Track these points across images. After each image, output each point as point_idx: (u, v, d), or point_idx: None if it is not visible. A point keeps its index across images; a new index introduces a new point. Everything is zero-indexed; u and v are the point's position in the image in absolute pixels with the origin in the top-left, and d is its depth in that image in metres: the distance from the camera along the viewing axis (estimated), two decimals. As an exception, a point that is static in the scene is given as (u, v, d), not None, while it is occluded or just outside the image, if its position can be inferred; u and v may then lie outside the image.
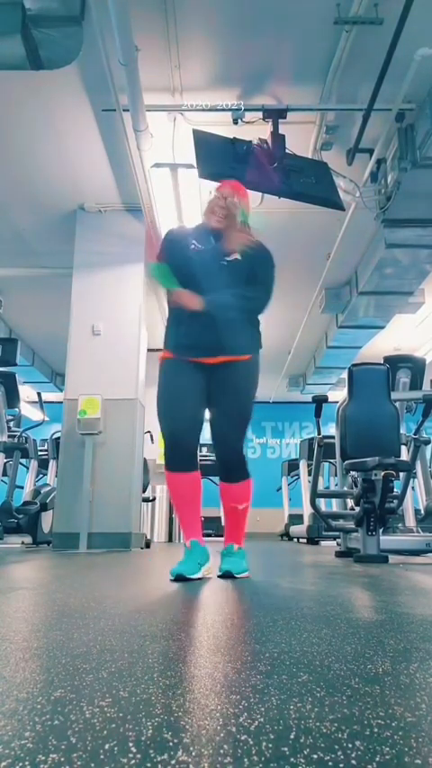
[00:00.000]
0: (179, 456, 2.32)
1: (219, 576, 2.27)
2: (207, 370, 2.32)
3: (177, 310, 2.36)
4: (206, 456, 9.00)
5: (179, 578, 2.12)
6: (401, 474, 4.13)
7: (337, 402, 4.56)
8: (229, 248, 2.33)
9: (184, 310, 2.30)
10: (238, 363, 2.34)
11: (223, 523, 2.55)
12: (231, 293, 2.30)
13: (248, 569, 2.34)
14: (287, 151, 4.20)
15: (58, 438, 5.86)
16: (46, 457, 7.37)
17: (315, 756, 0.49)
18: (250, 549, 2.52)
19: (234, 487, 2.39)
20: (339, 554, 4.20)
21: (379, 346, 8.49)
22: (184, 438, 2.31)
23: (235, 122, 4.18)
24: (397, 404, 4.45)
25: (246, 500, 2.41)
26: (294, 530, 8.63)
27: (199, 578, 2.18)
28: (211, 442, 2.42)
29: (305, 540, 7.93)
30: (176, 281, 2.32)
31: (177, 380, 2.33)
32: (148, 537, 6.21)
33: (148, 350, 5.86)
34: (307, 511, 7.32)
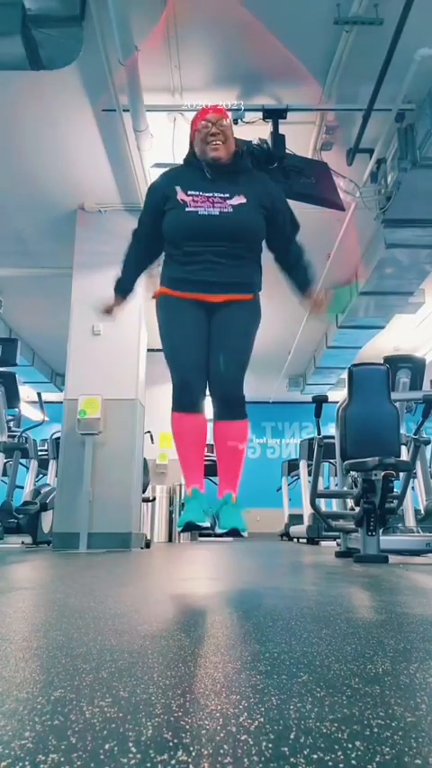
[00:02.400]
0: (189, 398, 2.22)
1: (223, 534, 2.13)
2: (209, 309, 2.22)
3: (175, 252, 2.24)
4: (209, 456, 9.05)
5: (189, 526, 2.05)
6: (401, 474, 4.13)
7: (337, 402, 4.56)
8: (314, 312, 2.38)
9: (183, 252, 2.20)
10: (243, 303, 2.25)
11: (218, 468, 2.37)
12: (302, 270, 2.31)
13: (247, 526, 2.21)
14: (287, 151, 4.20)
15: (58, 438, 5.86)
16: (46, 457, 7.37)
17: (315, 756, 0.49)
18: (250, 549, 2.53)
19: (234, 424, 2.27)
20: (339, 554, 4.20)
21: (379, 346, 8.49)
22: (195, 379, 2.22)
23: (235, 122, 4.17)
24: (397, 404, 4.45)
25: (245, 439, 2.30)
26: (294, 530, 8.62)
27: (207, 526, 2.10)
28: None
29: (305, 541, 7.93)
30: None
31: (182, 320, 2.22)
32: (148, 537, 6.21)
33: (148, 350, 5.86)
34: (307, 511, 7.31)
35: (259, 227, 2.27)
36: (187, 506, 2.15)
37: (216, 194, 2.19)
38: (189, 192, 2.20)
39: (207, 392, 2.27)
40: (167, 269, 2.30)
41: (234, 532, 2.08)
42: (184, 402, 2.22)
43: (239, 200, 2.20)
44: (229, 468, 2.28)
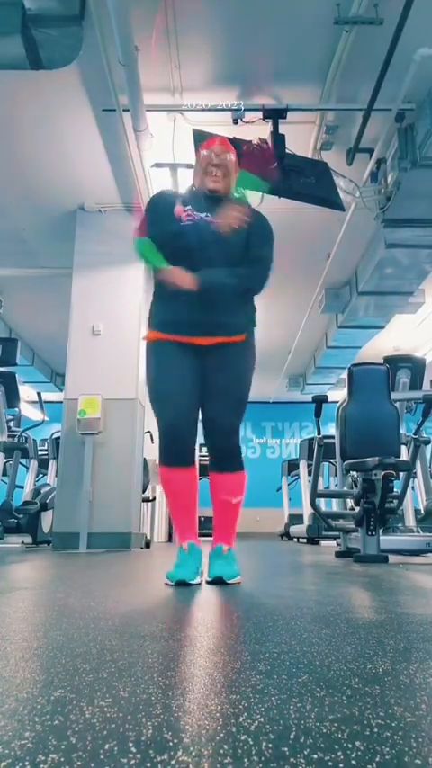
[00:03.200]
0: (178, 450, 2.14)
1: (208, 583, 2.05)
2: (200, 353, 2.12)
3: (166, 286, 2.14)
4: (205, 456, 9.03)
5: (180, 584, 1.98)
6: (401, 474, 4.13)
7: (337, 402, 4.56)
8: (221, 226, 2.09)
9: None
10: (234, 345, 2.15)
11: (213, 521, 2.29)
12: (228, 271, 2.13)
13: (240, 573, 2.12)
14: (287, 151, 4.20)
15: (58, 438, 5.86)
16: (46, 457, 7.37)
17: (315, 756, 0.49)
18: (250, 549, 2.52)
19: (228, 478, 2.18)
20: (339, 554, 4.20)
21: (379, 346, 8.49)
22: (184, 431, 2.12)
23: (235, 122, 4.18)
24: (397, 404, 4.45)
25: (240, 493, 2.19)
26: (294, 530, 8.63)
27: (198, 583, 2.06)
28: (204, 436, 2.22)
29: (305, 540, 7.93)
30: (162, 258, 2.14)
31: (171, 366, 2.12)
32: (148, 537, 6.21)
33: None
34: (307, 511, 7.32)
35: (242, 248, 2.18)
36: (181, 561, 2.08)
37: (208, 215, 2.16)
38: (185, 208, 2.17)
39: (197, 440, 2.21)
40: (156, 309, 2.22)
41: (217, 581, 2.03)
42: (172, 455, 2.14)
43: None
44: (224, 522, 2.21)
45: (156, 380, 2.16)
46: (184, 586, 1.96)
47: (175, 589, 1.90)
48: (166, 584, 2.00)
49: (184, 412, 2.12)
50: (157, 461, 2.19)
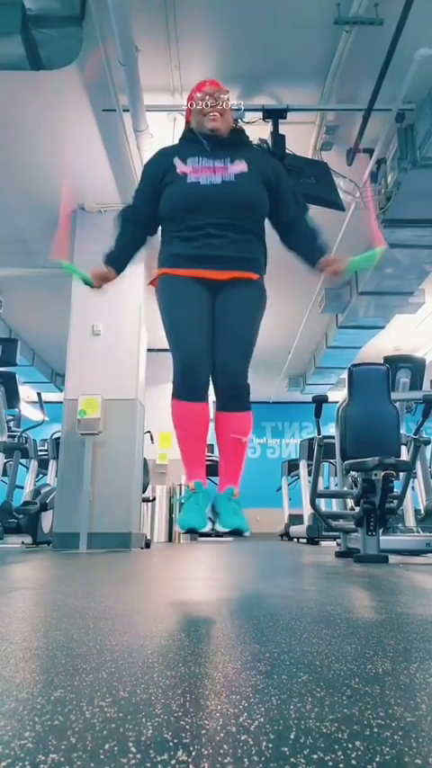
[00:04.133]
0: (194, 385, 2.08)
1: (224, 534, 1.99)
2: (213, 289, 2.09)
3: (176, 228, 2.10)
4: (210, 456, 9.03)
5: (191, 531, 1.95)
6: (401, 474, 4.13)
7: (337, 402, 4.56)
8: (327, 282, 2.16)
9: (185, 226, 2.07)
10: (250, 282, 2.11)
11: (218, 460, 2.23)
12: (307, 231, 2.17)
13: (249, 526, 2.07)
14: (287, 151, 4.20)
15: (58, 438, 5.86)
16: (46, 457, 7.37)
17: (315, 756, 0.49)
18: (250, 549, 2.52)
19: (238, 416, 2.13)
20: (339, 554, 4.20)
21: (379, 346, 8.49)
22: (199, 365, 2.07)
23: (235, 122, 4.17)
24: (397, 404, 4.45)
25: (248, 431, 2.16)
26: (294, 530, 8.63)
27: (209, 530, 2.00)
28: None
29: (305, 540, 7.93)
30: (87, 274, 2.16)
31: (185, 301, 2.09)
32: (148, 537, 6.21)
33: (148, 350, 5.86)
34: (307, 511, 7.31)
35: (263, 197, 2.15)
36: (189, 505, 2.01)
37: (216, 162, 2.10)
38: (188, 162, 2.11)
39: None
40: (167, 248, 2.16)
41: (236, 533, 1.97)
42: (187, 389, 2.08)
43: (241, 167, 2.11)
44: (231, 461, 2.16)
45: (170, 317, 2.12)
46: (195, 533, 1.91)
47: (175, 589, 1.90)
48: (179, 533, 1.96)
49: (199, 348, 2.07)
50: (171, 395, 2.10)
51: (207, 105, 2.15)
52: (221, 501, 2.06)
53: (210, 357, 2.09)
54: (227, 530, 1.96)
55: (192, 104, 2.21)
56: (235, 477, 2.13)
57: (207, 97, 2.17)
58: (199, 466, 2.12)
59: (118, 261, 2.25)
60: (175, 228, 2.11)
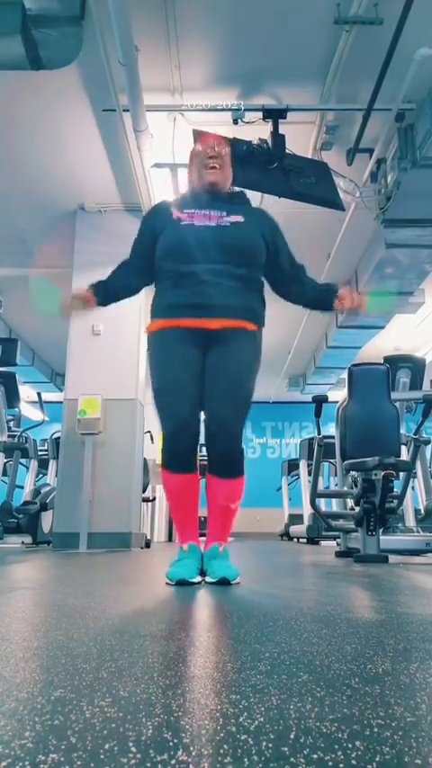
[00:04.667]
0: (182, 456, 2.07)
1: (211, 583, 1.99)
2: (205, 342, 2.03)
3: (169, 272, 2.08)
4: (205, 456, 9.02)
5: (180, 583, 1.96)
6: (401, 474, 4.13)
7: (337, 402, 4.56)
8: (342, 309, 2.17)
9: (179, 271, 2.05)
10: (244, 332, 2.05)
11: (207, 520, 2.21)
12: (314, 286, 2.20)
13: (239, 573, 2.06)
14: (287, 151, 4.20)
15: (58, 438, 5.86)
16: (46, 457, 7.37)
17: (315, 756, 0.49)
18: (250, 549, 2.52)
19: (228, 484, 2.08)
20: (339, 554, 4.20)
21: (379, 346, 8.49)
22: (187, 437, 2.03)
23: (235, 122, 4.18)
24: (397, 404, 4.45)
25: (238, 498, 2.12)
26: (294, 530, 8.63)
27: (198, 582, 2.03)
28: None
29: (305, 540, 7.93)
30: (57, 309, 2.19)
31: (176, 360, 2.03)
32: (148, 537, 6.21)
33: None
34: (307, 511, 7.32)
35: (259, 246, 2.12)
36: (182, 561, 2.03)
37: (213, 211, 2.11)
38: (185, 210, 2.12)
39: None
40: (159, 297, 2.14)
41: (224, 581, 1.97)
42: (175, 461, 2.08)
43: (237, 218, 2.11)
44: (218, 523, 2.14)
45: (158, 379, 2.08)
46: (184, 586, 1.93)
47: (176, 589, 1.90)
48: (167, 583, 1.97)
49: (191, 413, 2.02)
50: (159, 463, 2.15)
51: (208, 156, 2.17)
52: (207, 559, 2.09)
53: (198, 423, 2.05)
54: (215, 579, 1.99)
55: (194, 155, 2.24)
56: (222, 536, 2.14)
57: (209, 150, 2.19)
58: (191, 530, 2.14)
59: (104, 292, 2.24)
60: (169, 275, 2.08)
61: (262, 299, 2.18)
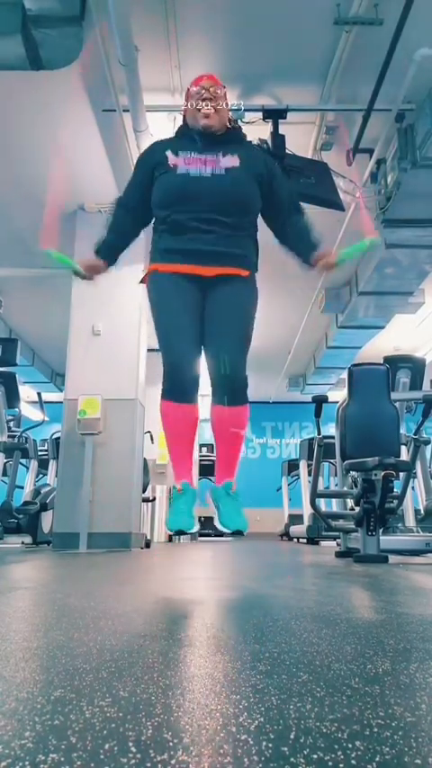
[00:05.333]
0: (185, 386, 2.07)
1: (225, 534, 1.99)
2: (203, 285, 2.06)
3: (165, 219, 2.08)
4: (206, 456, 9.01)
5: (179, 533, 1.97)
6: (401, 474, 4.13)
7: (337, 402, 4.56)
8: (322, 269, 2.14)
9: (174, 219, 2.05)
10: (240, 279, 2.08)
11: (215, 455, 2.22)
12: (302, 228, 2.15)
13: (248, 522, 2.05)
14: (287, 151, 4.20)
15: (58, 438, 5.86)
16: (46, 457, 7.37)
17: (315, 756, 0.49)
18: (250, 549, 2.52)
19: (235, 410, 2.09)
20: (339, 554, 4.20)
21: (379, 346, 8.50)
22: (189, 366, 2.06)
23: (234, 121, 4.18)
24: (397, 404, 4.45)
25: (244, 425, 2.13)
26: (294, 530, 8.63)
27: (197, 531, 2.00)
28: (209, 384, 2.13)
29: (305, 540, 7.93)
30: (75, 262, 2.17)
31: (175, 300, 2.07)
32: (148, 537, 6.21)
33: (148, 350, 5.86)
34: (307, 511, 7.32)
35: (254, 193, 2.12)
36: (176, 506, 2.03)
37: (208, 155, 2.08)
38: (180, 154, 2.10)
39: (202, 375, 2.12)
40: (156, 242, 2.15)
41: (237, 533, 1.98)
42: (176, 390, 2.08)
43: (232, 161, 2.09)
44: (228, 454, 2.15)
45: (159, 318, 2.10)
46: (182, 534, 1.89)
47: (175, 589, 1.90)
48: (169, 535, 1.98)
49: (189, 349, 2.06)
50: (160, 396, 2.09)
51: (203, 98, 2.13)
52: (220, 496, 2.06)
53: (199, 358, 2.08)
54: (228, 530, 1.97)
55: (189, 97, 2.19)
56: (232, 471, 2.13)
57: (203, 92, 2.15)
58: (186, 466, 2.13)
59: (108, 251, 2.26)
60: (164, 221, 2.10)
61: (255, 245, 2.19)
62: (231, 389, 2.08)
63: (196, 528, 2.00)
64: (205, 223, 2.04)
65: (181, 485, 2.06)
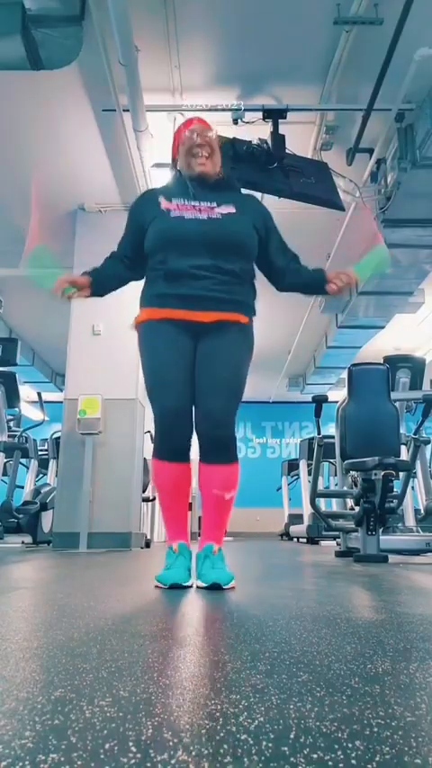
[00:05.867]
0: (176, 444, 2.00)
1: (204, 588, 1.89)
2: (196, 333, 1.99)
3: (159, 265, 2.02)
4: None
5: (173, 587, 1.90)
6: (401, 474, 4.13)
7: (337, 402, 4.56)
8: (335, 293, 2.07)
9: (169, 265, 1.99)
10: (238, 326, 2.00)
11: (201, 516, 2.14)
12: (305, 272, 2.11)
13: (234, 577, 1.95)
14: (287, 151, 4.20)
15: (58, 438, 5.87)
16: (46, 457, 7.37)
17: (315, 756, 0.49)
18: (250, 549, 2.51)
19: (221, 469, 2.00)
20: (339, 554, 4.20)
21: (379, 346, 8.50)
22: (181, 426, 1.98)
23: (235, 122, 4.18)
24: (397, 404, 4.45)
25: (233, 487, 2.02)
26: (294, 530, 8.63)
27: (190, 585, 1.95)
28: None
29: (305, 540, 7.93)
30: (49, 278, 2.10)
31: (168, 350, 1.99)
32: (148, 537, 6.21)
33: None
34: (307, 511, 7.32)
35: (251, 238, 2.06)
36: (172, 563, 1.98)
37: (203, 203, 2.03)
38: (174, 201, 2.04)
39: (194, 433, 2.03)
40: (149, 288, 2.08)
41: (215, 586, 1.87)
42: (168, 450, 2.02)
43: (228, 209, 2.04)
44: (213, 517, 2.05)
45: (150, 371, 2.03)
46: (178, 589, 1.88)
47: (175, 589, 1.90)
48: (157, 586, 1.93)
49: (184, 403, 1.98)
50: (152, 455, 2.05)
51: (195, 145, 2.07)
52: (199, 559, 2.01)
53: (191, 414, 2.00)
54: (205, 584, 1.90)
55: (180, 143, 2.14)
56: (218, 534, 2.05)
57: (196, 137, 2.08)
58: (181, 526, 2.08)
59: (99, 282, 2.17)
60: (159, 268, 2.03)
61: (253, 290, 2.13)
62: (217, 446, 2.00)
63: (190, 583, 1.96)
64: (202, 269, 1.97)
65: (177, 545, 2.02)
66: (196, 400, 2.00)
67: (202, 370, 1.99)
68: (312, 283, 2.16)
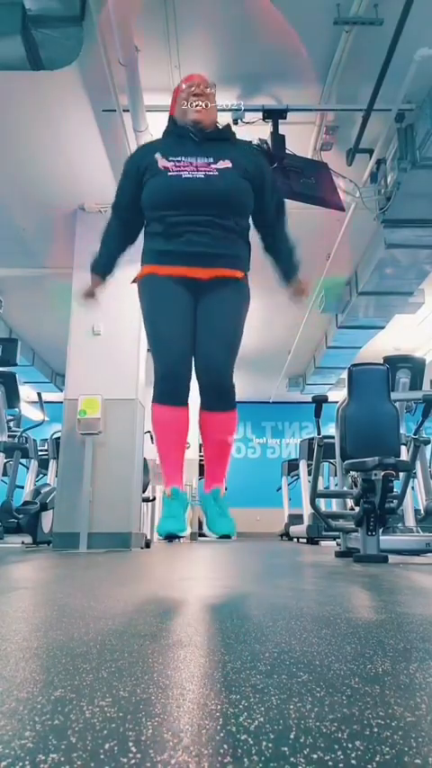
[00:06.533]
0: (176, 390, 2.07)
1: (214, 537, 2.02)
2: (195, 288, 2.06)
3: (158, 221, 2.06)
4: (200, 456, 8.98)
5: (170, 537, 1.96)
6: (401, 474, 4.13)
7: (337, 402, 4.56)
8: (296, 297, 2.21)
9: (167, 221, 2.03)
10: (231, 281, 2.07)
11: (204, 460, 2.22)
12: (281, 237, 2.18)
13: (236, 523, 2.07)
14: (287, 151, 4.20)
15: (58, 438, 5.86)
16: (46, 457, 7.37)
17: (315, 756, 0.49)
18: (250, 549, 2.52)
19: (223, 416, 2.10)
20: (339, 554, 4.20)
21: (379, 346, 8.50)
22: (181, 369, 2.05)
23: (235, 122, 4.18)
24: (397, 404, 4.45)
25: (233, 431, 2.14)
26: (294, 530, 8.63)
27: (187, 535, 2.00)
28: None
29: (305, 540, 7.93)
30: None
31: (167, 303, 2.06)
32: (148, 537, 6.20)
33: (148, 350, 5.86)
34: (307, 511, 7.32)
35: (246, 193, 2.10)
36: (167, 510, 2.02)
37: (200, 159, 2.06)
38: (171, 158, 2.07)
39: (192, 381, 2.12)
40: (149, 244, 2.13)
41: (224, 537, 1.99)
42: (168, 394, 2.08)
43: (225, 164, 2.06)
44: (216, 461, 2.15)
45: (151, 320, 2.10)
46: (174, 539, 1.90)
47: (175, 589, 1.90)
48: (159, 539, 1.99)
49: (181, 352, 2.05)
50: (151, 400, 2.09)
51: (193, 94, 2.12)
52: (208, 502, 2.07)
53: (191, 362, 2.08)
54: (215, 535, 1.98)
55: (178, 95, 2.19)
56: (220, 477, 2.13)
57: (193, 88, 2.14)
58: (176, 471, 2.12)
59: (105, 263, 2.30)
60: (157, 225, 2.08)
61: (248, 245, 2.18)
62: (218, 394, 2.09)
63: (188, 531, 2.00)
64: (200, 225, 2.02)
65: (171, 490, 2.06)
66: (197, 352, 2.07)
67: (203, 324, 2.07)
68: (281, 271, 2.27)
